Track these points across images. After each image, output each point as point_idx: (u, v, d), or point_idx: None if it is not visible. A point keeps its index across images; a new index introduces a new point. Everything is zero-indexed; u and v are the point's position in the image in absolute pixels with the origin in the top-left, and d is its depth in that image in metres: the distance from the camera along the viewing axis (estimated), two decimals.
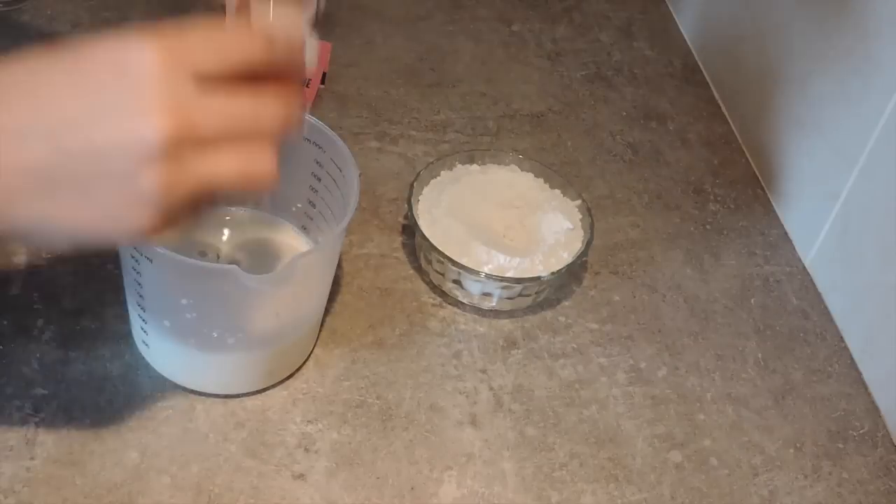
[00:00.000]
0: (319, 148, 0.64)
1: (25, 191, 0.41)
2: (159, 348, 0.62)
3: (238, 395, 0.63)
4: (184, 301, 0.59)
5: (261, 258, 0.66)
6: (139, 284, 0.59)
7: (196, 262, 0.59)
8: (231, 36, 0.43)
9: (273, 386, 0.64)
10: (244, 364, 0.62)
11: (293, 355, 0.65)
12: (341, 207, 0.62)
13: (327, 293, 0.65)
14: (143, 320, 0.61)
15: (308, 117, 0.63)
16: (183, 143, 0.41)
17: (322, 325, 0.68)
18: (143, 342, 0.63)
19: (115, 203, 0.42)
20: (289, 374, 0.65)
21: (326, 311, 0.69)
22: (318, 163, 0.64)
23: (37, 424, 0.60)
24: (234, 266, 0.54)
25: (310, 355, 0.66)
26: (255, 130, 0.43)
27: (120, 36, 0.41)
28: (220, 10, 0.57)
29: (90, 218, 0.42)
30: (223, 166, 0.42)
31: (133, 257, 0.57)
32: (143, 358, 0.64)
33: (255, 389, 0.63)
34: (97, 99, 0.40)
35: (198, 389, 0.63)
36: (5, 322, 0.64)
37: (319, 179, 0.65)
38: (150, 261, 0.56)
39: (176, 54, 0.41)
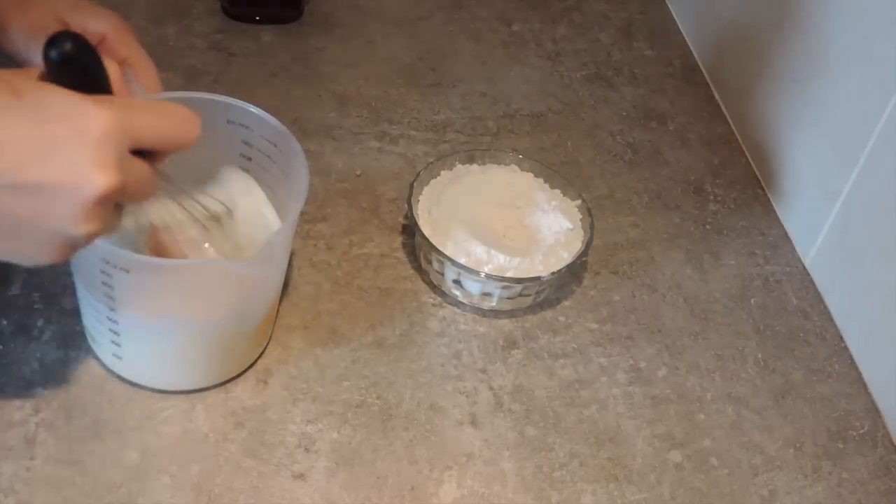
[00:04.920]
0: (246, 128, 0.63)
1: None
2: (136, 357, 0.61)
3: (221, 385, 0.63)
4: (166, 302, 0.58)
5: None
6: (110, 298, 0.58)
7: (181, 262, 0.59)
8: (175, 123, 0.49)
9: (244, 373, 0.64)
10: (224, 351, 0.62)
11: (262, 335, 0.65)
12: (282, 180, 0.62)
13: (285, 269, 0.65)
14: (115, 333, 0.60)
15: (228, 99, 0.63)
16: (112, 201, 0.47)
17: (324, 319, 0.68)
18: (115, 356, 0.62)
19: (38, 240, 0.47)
20: (258, 355, 0.65)
21: (326, 311, 0.69)
22: (246, 143, 0.64)
23: (37, 424, 0.60)
24: (221, 258, 0.54)
25: (271, 337, 0.66)
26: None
27: (80, 97, 0.46)
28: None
29: (9, 246, 0.47)
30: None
31: (104, 272, 0.56)
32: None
33: (229, 378, 0.64)
34: (51, 146, 0.45)
35: (172, 389, 0.62)
36: (5, 322, 0.64)
37: (250, 159, 0.65)
38: (127, 271, 0.55)
39: (126, 126, 0.46)
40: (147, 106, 0.49)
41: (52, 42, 0.47)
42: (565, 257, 0.71)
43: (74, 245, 0.48)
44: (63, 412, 0.61)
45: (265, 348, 0.66)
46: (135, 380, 0.63)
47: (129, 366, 0.62)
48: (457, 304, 0.72)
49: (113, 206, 0.48)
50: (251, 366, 0.65)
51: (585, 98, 0.91)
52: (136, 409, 0.62)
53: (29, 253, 0.48)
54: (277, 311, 0.67)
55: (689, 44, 0.99)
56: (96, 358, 0.63)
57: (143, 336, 0.60)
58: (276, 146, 0.63)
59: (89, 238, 0.47)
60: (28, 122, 0.45)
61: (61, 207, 0.45)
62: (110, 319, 0.59)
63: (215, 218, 0.61)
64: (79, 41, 0.47)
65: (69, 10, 0.60)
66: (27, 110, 0.45)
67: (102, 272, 0.56)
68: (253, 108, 0.63)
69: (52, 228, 0.46)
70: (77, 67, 0.47)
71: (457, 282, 0.70)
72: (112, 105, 0.46)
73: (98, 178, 0.45)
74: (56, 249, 0.48)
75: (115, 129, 0.46)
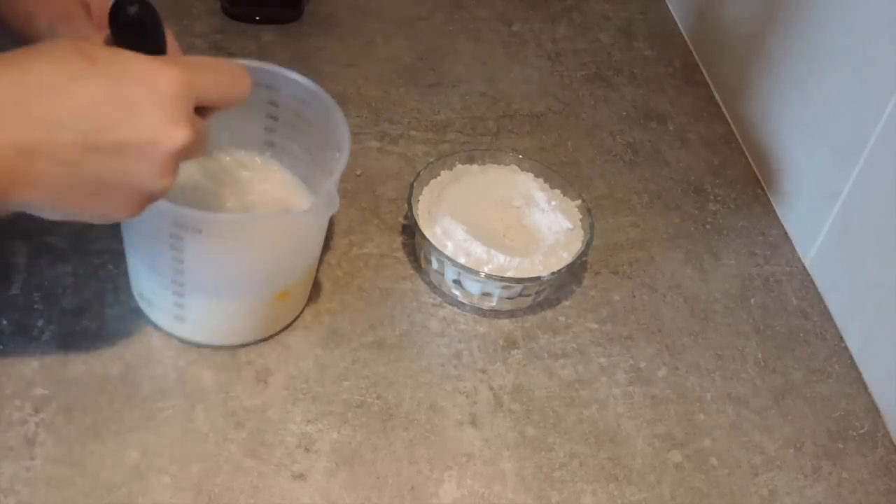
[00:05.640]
0: (271, 88, 0.65)
1: (47, 175, 0.47)
2: (199, 317, 0.63)
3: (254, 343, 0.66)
4: (234, 257, 0.60)
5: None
6: (178, 261, 0.59)
7: (254, 216, 0.62)
8: (231, 80, 0.53)
9: (276, 334, 0.66)
10: (279, 303, 0.64)
11: (308, 286, 0.68)
12: (315, 136, 0.65)
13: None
14: (180, 295, 0.62)
15: (251, 62, 0.64)
16: (185, 156, 0.50)
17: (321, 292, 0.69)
18: (177, 318, 0.64)
19: (119, 198, 0.49)
20: (303, 306, 0.68)
21: (326, 311, 0.69)
22: (272, 103, 0.66)
23: (37, 424, 0.60)
24: (289, 210, 0.58)
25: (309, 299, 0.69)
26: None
27: (149, 59, 0.49)
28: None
29: (92, 206, 0.50)
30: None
31: (173, 235, 0.58)
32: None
33: (281, 329, 0.67)
34: (129, 107, 0.47)
35: (236, 343, 0.65)
36: (5, 322, 0.64)
37: (276, 119, 0.67)
38: (199, 231, 0.57)
39: (192, 83, 0.49)
40: (205, 64, 0.52)
41: (119, 6, 0.49)
42: (565, 257, 0.71)
43: (150, 200, 0.51)
44: (63, 412, 0.61)
45: (305, 305, 0.69)
46: (196, 339, 0.65)
47: (191, 326, 0.64)
48: (457, 304, 0.72)
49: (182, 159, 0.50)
50: (294, 321, 0.68)
51: (585, 98, 0.91)
52: (136, 409, 0.62)
53: (108, 211, 0.50)
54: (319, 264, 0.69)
55: (689, 44, 0.99)
56: (99, 356, 0.63)
57: (208, 294, 0.62)
58: (305, 103, 0.65)
59: (164, 193, 0.50)
60: (104, 86, 0.47)
61: (142, 164, 0.48)
62: (175, 282, 0.61)
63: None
64: (143, 4, 0.49)
65: None
66: (102, 74, 0.47)
67: (171, 236, 0.58)
68: (279, 69, 0.64)
69: (133, 185, 0.49)
70: (142, 30, 0.50)
71: (457, 282, 0.70)
72: (178, 64, 0.49)
73: (176, 134, 0.48)
74: (133, 205, 0.50)
75: (185, 87, 0.49)
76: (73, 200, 0.49)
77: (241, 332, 0.65)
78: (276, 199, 0.68)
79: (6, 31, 0.60)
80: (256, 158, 0.69)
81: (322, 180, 0.64)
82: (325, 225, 0.66)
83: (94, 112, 0.47)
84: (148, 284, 0.63)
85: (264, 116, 0.67)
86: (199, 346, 0.65)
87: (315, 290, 0.70)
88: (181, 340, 0.65)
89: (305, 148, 0.67)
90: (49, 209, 0.50)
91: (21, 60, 0.47)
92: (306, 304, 0.69)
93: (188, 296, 0.61)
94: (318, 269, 0.69)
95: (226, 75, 0.53)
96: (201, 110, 0.51)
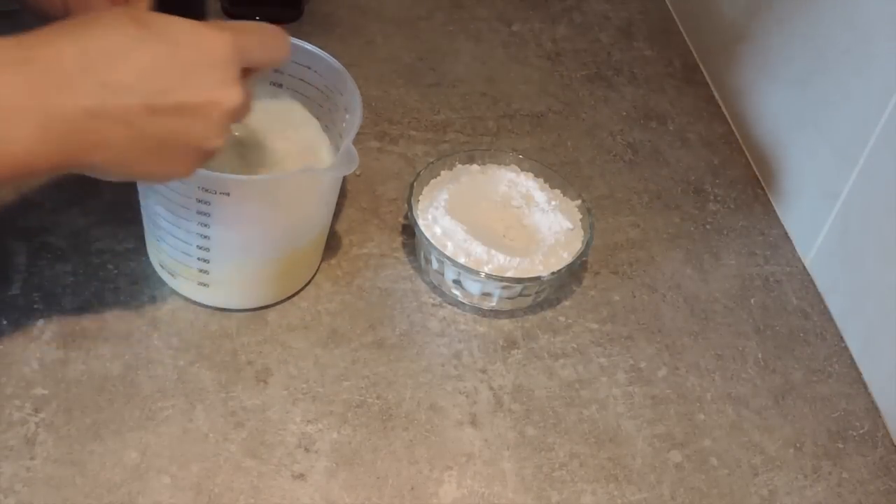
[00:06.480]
0: None
1: (114, 137, 0.49)
2: (223, 281, 0.64)
3: (267, 307, 0.68)
4: (260, 217, 0.61)
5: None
6: (205, 225, 0.60)
7: (282, 175, 0.63)
8: (273, 42, 0.55)
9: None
10: (299, 262, 0.67)
11: (321, 246, 0.70)
12: (323, 100, 0.66)
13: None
14: (205, 261, 0.63)
15: None
16: (237, 116, 0.53)
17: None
18: (201, 284, 0.65)
19: (178, 156, 0.52)
20: (317, 268, 0.71)
21: (326, 311, 0.69)
22: (276, 69, 0.67)
23: (37, 424, 0.60)
24: (310, 167, 0.60)
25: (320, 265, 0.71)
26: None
27: (198, 24, 0.51)
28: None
29: (155, 165, 0.52)
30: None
31: (201, 200, 0.59)
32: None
33: (298, 289, 0.69)
34: (186, 70, 0.50)
35: (259, 304, 0.67)
36: (5, 322, 0.64)
37: (280, 86, 0.68)
38: (227, 194, 0.58)
39: (238, 47, 0.52)
40: (248, 28, 0.54)
41: None
42: (565, 257, 0.71)
43: (205, 158, 0.53)
44: (63, 412, 0.61)
45: (318, 267, 0.71)
46: (220, 304, 0.67)
47: (215, 292, 0.65)
48: (457, 304, 0.72)
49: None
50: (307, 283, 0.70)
51: (585, 98, 0.91)
52: (136, 409, 0.62)
53: (168, 170, 0.53)
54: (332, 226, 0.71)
55: (689, 44, 0.99)
56: (99, 356, 0.63)
57: (232, 256, 0.63)
58: (310, 68, 0.66)
59: (217, 151, 0.53)
60: (162, 50, 0.50)
61: (200, 124, 0.51)
62: (201, 248, 0.62)
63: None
64: None
65: None
66: (158, 39, 0.50)
67: (199, 201, 0.59)
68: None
69: (191, 145, 0.51)
70: None
71: (457, 282, 0.70)
72: (226, 29, 0.52)
73: (231, 95, 0.51)
74: (191, 164, 0.53)
75: (235, 51, 0.51)
76: (137, 160, 0.51)
77: (263, 294, 0.67)
78: (296, 156, 0.69)
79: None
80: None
81: (331, 143, 0.67)
82: (340, 183, 0.67)
83: (155, 75, 0.49)
84: (171, 252, 0.64)
85: (267, 84, 0.68)
86: (221, 310, 0.67)
87: (315, 289, 0.70)
88: (204, 306, 0.67)
89: (312, 113, 0.69)
90: (115, 170, 0.51)
91: (79, 29, 0.49)
92: (319, 265, 0.71)
93: (213, 260, 0.63)
94: (329, 232, 0.71)
95: (268, 37, 0.55)
96: (243, 72, 0.53)
